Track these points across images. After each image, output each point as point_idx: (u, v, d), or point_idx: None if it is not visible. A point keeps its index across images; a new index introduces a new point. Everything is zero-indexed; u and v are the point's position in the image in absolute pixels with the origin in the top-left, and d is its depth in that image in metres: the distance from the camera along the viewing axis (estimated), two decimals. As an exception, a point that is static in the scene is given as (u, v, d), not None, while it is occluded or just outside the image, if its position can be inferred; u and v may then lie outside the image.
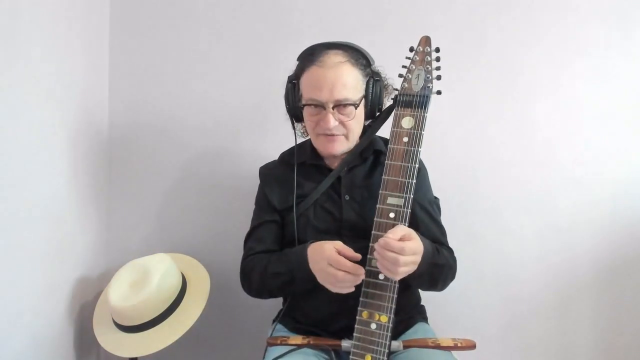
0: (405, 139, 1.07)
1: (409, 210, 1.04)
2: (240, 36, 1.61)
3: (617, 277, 1.58)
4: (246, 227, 1.31)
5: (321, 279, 1.06)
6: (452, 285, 1.22)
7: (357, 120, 1.17)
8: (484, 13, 1.56)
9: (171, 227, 1.65)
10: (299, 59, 1.20)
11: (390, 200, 1.05)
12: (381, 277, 1.03)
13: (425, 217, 1.21)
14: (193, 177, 1.64)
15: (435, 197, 1.30)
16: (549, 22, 1.55)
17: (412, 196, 1.04)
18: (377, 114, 1.19)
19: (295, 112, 1.21)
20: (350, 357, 1.05)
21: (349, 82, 1.13)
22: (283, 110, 1.25)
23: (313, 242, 1.12)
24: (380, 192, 1.06)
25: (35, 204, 1.28)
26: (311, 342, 1.12)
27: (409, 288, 1.23)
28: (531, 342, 1.60)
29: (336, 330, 1.16)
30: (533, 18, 1.55)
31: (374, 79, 1.16)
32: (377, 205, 1.06)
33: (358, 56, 1.16)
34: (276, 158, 1.36)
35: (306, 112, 1.18)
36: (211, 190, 1.64)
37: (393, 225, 1.03)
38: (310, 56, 1.16)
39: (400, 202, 1.04)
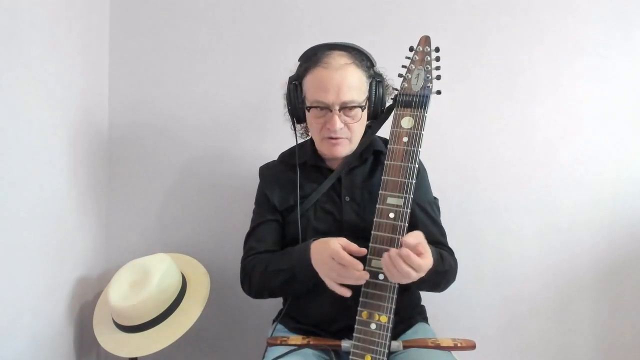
0: (405, 139, 1.07)
1: (409, 211, 1.04)
2: (240, 36, 1.61)
3: (617, 277, 1.58)
4: (246, 227, 1.31)
5: (323, 273, 1.06)
6: (452, 285, 1.22)
7: (361, 123, 1.17)
8: (484, 13, 1.56)
9: (171, 227, 1.65)
10: (301, 59, 1.19)
11: (390, 200, 1.05)
12: (381, 277, 1.03)
13: (424, 218, 1.21)
14: (193, 177, 1.64)
15: (435, 198, 1.30)
16: (549, 22, 1.55)
17: (411, 196, 1.04)
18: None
19: (297, 113, 1.21)
20: (350, 357, 1.04)
21: (354, 83, 1.13)
22: (283, 111, 1.24)
23: (317, 239, 1.11)
24: (380, 192, 1.06)
25: (35, 204, 1.28)
26: (311, 342, 1.12)
27: (409, 288, 1.22)
28: (531, 342, 1.60)
29: (336, 330, 1.17)
30: (533, 18, 1.55)
31: (376, 81, 1.16)
32: (377, 206, 1.06)
33: (362, 57, 1.16)
34: (276, 158, 1.36)
35: (311, 114, 1.17)
36: (211, 190, 1.64)
37: (393, 225, 1.03)
38: (313, 57, 1.15)
39: (400, 202, 1.04)
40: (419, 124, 1.07)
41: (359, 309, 1.04)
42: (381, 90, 1.17)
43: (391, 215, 1.04)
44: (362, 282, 1.02)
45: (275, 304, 1.35)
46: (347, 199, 1.21)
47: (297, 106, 1.19)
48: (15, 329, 1.21)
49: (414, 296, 1.31)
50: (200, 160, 1.64)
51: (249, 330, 1.64)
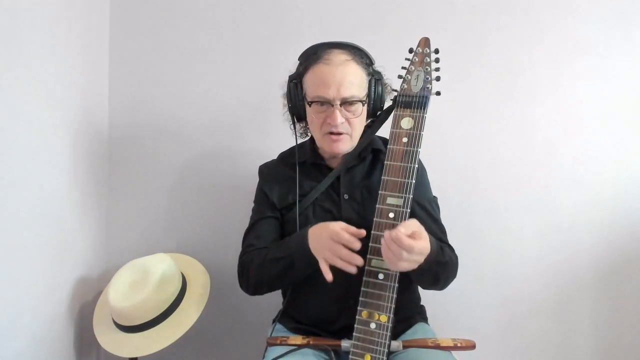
0: (405, 140, 1.07)
1: (409, 210, 1.04)
2: (240, 36, 1.61)
3: (617, 277, 1.58)
4: (246, 227, 1.31)
5: (319, 252, 1.05)
6: (452, 285, 1.22)
7: (361, 119, 1.17)
8: (484, 13, 1.56)
9: (171, 227, 1.65)
10: (301, 58, 1.20)
11: (389, 200, 1.05)
12: (381, 277, 1.03)
13: (424, 216, 1.21)
14: (193, 177, 1.64)
15: (434, 196, 1.30)
16: (549, 22, 1.55)
17: (411, 196, 1.04)
18: (378, 113, 1.20)
19: (297, 111, 1.21)
20: (350, 357, 1.05)
21: (355, 79, 1.14)
22: (283, 110, 1.25)
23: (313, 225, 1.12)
24: (379, 192, 1.06)
25: (35, 204, 1.28)
26: (311, 342, 1.12)
27: (409, 288, 1.23)
28: (531, 342, 1.60)
29: (336, 330, 1.17)
30: (533, 18, 1.55)
31: (375, 79, 1.18)
32: (377, 205, 1.06)
33: (362, 55, 1.17)
34: (275, 158, 1.36)
35: (312, 110, 1.17)
36: (211, 190, 1.64)
37: (393, 225, 1.03)
38: (314, 55, 1.16)
39: (400, 202, 1.04)
40: (419, 124, 1.07)
41: (358, 308, 1.05)
42: (380, 88, 1.18)
43: (391, 215, 1.04)
44: (353, 267, 1.01)
45: (275, 304, 1.35)
46: (346, 197, 1.21)
47: (297, 104, 1.20)
48: (15, 329, 1.21)
49: (414, 296, 1.31)
50: (200, 160, 1.64)
51: (248, 330, 1.64)
